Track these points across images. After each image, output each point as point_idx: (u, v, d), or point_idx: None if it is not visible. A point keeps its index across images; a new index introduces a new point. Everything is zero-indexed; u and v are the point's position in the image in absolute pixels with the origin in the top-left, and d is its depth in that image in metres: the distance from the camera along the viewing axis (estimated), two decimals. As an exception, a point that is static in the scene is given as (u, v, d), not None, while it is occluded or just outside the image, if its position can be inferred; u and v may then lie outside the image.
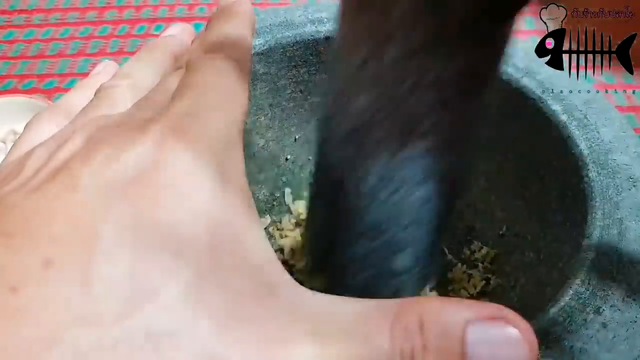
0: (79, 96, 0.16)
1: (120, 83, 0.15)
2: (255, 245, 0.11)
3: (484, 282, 0.24)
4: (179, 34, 0.19)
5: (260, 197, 0.28)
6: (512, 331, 0.10)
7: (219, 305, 0.10)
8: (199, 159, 0.11)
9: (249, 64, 0.15)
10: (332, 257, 0.19)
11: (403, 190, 0.16)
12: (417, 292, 0.21)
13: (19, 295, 0.09)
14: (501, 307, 0.10)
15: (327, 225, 0.19)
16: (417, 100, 0.14)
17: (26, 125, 0.15)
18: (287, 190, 0.29)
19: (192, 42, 0.18)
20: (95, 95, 0.15)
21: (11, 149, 0.14)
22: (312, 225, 0.21)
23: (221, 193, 0.11)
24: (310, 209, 0.21)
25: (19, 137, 0.15)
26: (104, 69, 0.18)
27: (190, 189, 0.11)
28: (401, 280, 0.19)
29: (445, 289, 0.26)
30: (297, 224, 0.28)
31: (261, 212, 0.28)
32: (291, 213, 0.29)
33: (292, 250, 0.28)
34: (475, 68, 0.14)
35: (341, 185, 0.17)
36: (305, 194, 0.29)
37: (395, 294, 0.20)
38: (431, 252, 0.20)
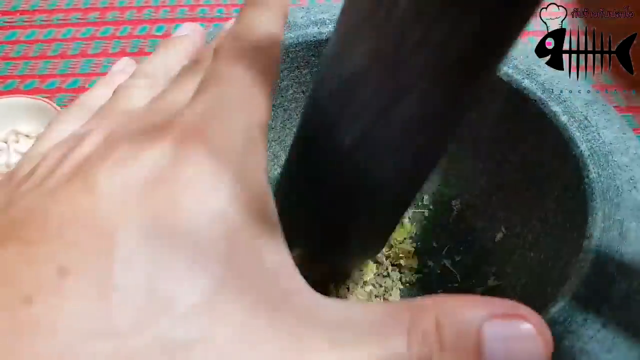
0: (100, 95, 0.16)
1: (137, 82, 0.15)
2: (273, 250, 0.11)
3: (484, 283, 0.24)
4: (190, 33, 0.18)
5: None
6: (527, 327, 0.10)
7: (236, 313, 0.10)
8: (217, 161, 0.11)
9: (277, 59, 0.14)
10: (297, 219, 0.19)
11: (379, 156, 0.16)
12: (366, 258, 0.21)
13: (34, 306, 0.09)
14: (515, 303, 0.10)
15: (298, 188, 0.19)
16: (415, 63, 0.13)
17: (48, 123, 0.15)
18: None
19: (219, 35, 0.18)
20: (113, 94, 0.15)
21: (31, 147, 0.14)
22: (283, 189, 0.21)
23: (240, 196, 0.11)
24: (283, 176, 0.21)
25: (39, 135, 0.15)
26: (124, 67, 0.18)
27: (209, 191, 0.10)
28: (358, 243, 0.20)
29: (445, 286, 0.26)
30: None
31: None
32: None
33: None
34: (490, 35, 0.12)
35: (319, 146, 0.17)
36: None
37: (346, 257, 0.20)
38: (392, 220, 0.20)
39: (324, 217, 0.19)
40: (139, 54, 0.42)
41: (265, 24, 0.15)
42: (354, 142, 0.16)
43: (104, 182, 0.10)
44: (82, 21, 0.45)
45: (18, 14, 0.45)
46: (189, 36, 0.18)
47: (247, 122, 0.12)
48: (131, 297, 0.09)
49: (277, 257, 0.11)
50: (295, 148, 0.19)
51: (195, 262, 0.10)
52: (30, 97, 0.35)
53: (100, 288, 0.09)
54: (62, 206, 0.10)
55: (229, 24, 0.18)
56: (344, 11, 0.15)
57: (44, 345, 0.08)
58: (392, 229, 0.21)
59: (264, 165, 0.12)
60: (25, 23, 0.45)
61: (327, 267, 0.23)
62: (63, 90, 0.39)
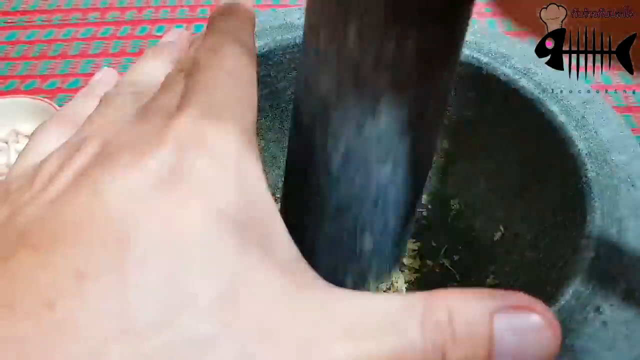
0: (82, 104, 0.16)
1: (124, 90, 0.15)
2: (280, 245, 0.11)
3: (483, 282, 0.24)
4: (177, 39, 0.19)
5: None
6: (536, 318, 0.10)
7: (254, 306, 0.10)
8: (218, 162, 0.11)
9: (255, 60, 0.15)
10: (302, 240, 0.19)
11: (367, 168, 0.16)
12: (381, 276, 0.21)
13: (56, 310, 0.09)
14: (524, 295, 0.11)
15: (298, 208, 0.20)
16: (376, 80, 0.14)
17: (31, 135, 0.15)
18: None
19: (192, 42, 0.18)
20: (100, 103, 0.15)
21: (17, 159, 0.14)
22: (285, 209, 0.21)
23: (243, 194, 0.11)
24: (283, 194, 0.22)
25: (24, 148, 0.15)
26: (104, 77, 0.18)
27: (215, 191, 0.11)
28: (367, 262, 0.20)
29: (444, 286, 0.26)
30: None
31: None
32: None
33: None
34: (432, 47, 0.14)
35: (310, 165, 0.18)
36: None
37: (360, 276, 0.20)
38: (398, 234, 0.20)
39: (330, 235, 0.19)
40: (139, 54, 0.42)
41: (238, 31, 0.15)
42: (342, 157, 0.16)
43: (110, 187, 0.10)
44: (82, 21, 0.45)
45: (18, 15, 0.45)
46: (174, 42, 0.18)
47: (239, 126, 0.12)
48: (151, 295, 0.09)
49: (287, 253, 0.12)
50: (289, 170, 0.20)
51: (210, 259, 0.10)
52: (31, 97, 0.35)
53: (119, 288, 0.09)
54: (70, 212, 0.10)
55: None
56: (304, 46, 0.16)
57: (70, 349, 0.09)
58: (404, 236, 0.21)
59: (260, 166, 0.12)
60: (26, 23, 0.45)
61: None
62: (63, 91, 0.39)
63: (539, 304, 0.11)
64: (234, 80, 0.13)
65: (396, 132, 0.16)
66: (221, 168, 0.11)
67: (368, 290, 0.22)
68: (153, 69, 0.17)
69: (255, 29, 0.25)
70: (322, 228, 0.19)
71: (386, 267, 0.22)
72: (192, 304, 0.09)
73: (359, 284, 0.22)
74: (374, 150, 0.16)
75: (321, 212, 0.18)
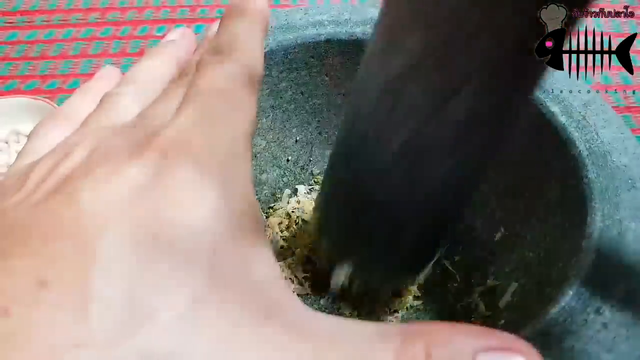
0: (81, 102, 0.16)
1: (125, 91, 0.15)
2: (260, 262, 0.11)
3: (483, 282, 0.24)
4: (179, 39, 0.18)
5: (261, 198, 0.28)
6: None
7: (218, 326, 0.10)
8: (201, 173, 0.11)
9: (260, 67, 0.15)
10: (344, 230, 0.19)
11: (428, 161, 0.15)
12: (416, 274, 0.20)
13: (11, 318, 0.09)
14: (512, 336, 0.10)
15: (347, 198, 0.19)
16: (471, 53, 0.12)
17: (30, 133, 0.15)
18: (287, 191, 0.29)
19: (201, 44, 0.18)
20: (100, 103, 0.15)
21: (17, 158, 0.14)
22: (331, 201, 0.20)
23: (225, 208, 0.11)
24: (329, 182, 0.21)
25: (24, 146, 0.15)
26: (107, 74, 0.18)
27: (192, 204, 0.10)
28: (408, 255, 0.19)
29: (444, 286, 0.26)
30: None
31: (263, 213, 0.28)
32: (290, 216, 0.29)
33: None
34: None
35: (366, 148, 0.16)
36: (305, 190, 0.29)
37: (400, 269, 0.19)
38: (443, 229, 0.19)
39: (368, 232, 0.19)
40: (139, 54, 0.42)
41: (245, 35, 0.15)
42: (402, 149, 0.15)
43: (87, 196, 0.10)
44: (82, 21, 0.45)
45: (18, 14, 0.45)
46: (176, 42, 0.18)
47: (231, 135, 0.12)
48: (111, 308, 0.09)
49: (266, 270, 0.11)
50: (335, 164, 0.19)
51: (178, 274, 0.10)
52: (31, 98, 0.35)
53: (79, 299, 0.09)
54: (44, 219, 0.10)
55: (213, 27, 0.18)
56: (385, 6, 0.14)
57: (18, 356, 0.08)
58: (433, 248, 0.21)
59: (249, 176, 0.12)
60: (26, 23, 0.45)
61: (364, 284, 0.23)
62: (64, 91, 0.39)
63: (524, 345, 0.10)
64: (233, 88, 0.13)
65: (475, 120, 0.14)
66: (204, 180, 0.11)
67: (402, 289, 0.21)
68: (154, 68, 0.16)
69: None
70: (363, 224, 0.18)
71: (420, 266, 0.21)
72: (152, 320, 0.09)
73: (391, 278, 0.21)
74: (443, 140, 0.15)
75: (365, 208, 0.18)
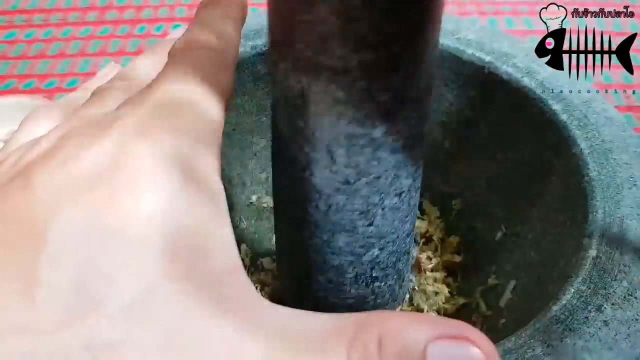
0: (78, 97, 0.16)
1: (115, 85, 0.15)
2: (219, 253, 0.11)
3: (484, 281, 0.24)
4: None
5: (262, 197, 0.28)
6: (475, 351, 0.10)
7: (167, 319, 0.09)
8: (161, 161, 0.11)
9: (234, 52, 0.14)
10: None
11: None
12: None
13: None
14: (465, 324, 0.10)
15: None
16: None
17: (20, 123, 0.15)
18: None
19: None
20: (89, 97, 0.15)
21: (3, 147, 0.14)
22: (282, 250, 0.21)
23: (184, 195, 0.11)
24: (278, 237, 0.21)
25: (12, 135, 0.15)
26: (110, 72, 0.18)
27: (148, 190, 0.10)
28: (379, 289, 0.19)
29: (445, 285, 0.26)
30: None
31: (263, 212, 0.28)
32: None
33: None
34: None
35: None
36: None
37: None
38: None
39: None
40: (138, 53, 0.41)
41: (220, 25, 0.15)
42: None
43: (42, 180, 0.10)
44: (81, 21, 0.45)
45: (17, 14, 0.45)
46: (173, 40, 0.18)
47: (196, 124, 0.12)
48: (57, 295, 0.09)
49: (225, 262, 0.11)
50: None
51: (129, 263, 0.10)
52: (30, 97, 0.35)
53: (26, 285, 0.09)
54: (0, 205, 0.10)
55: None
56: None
57: None
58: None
59: (216, 167, 0.12)
60: (24, 23, 0.44)
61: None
62: (62, 90, 0.39)
63: (479, 336, 0.10)
64: (200, 75, 0.13)
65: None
66: (162, 168, 0.11)
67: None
68: (148, 65, 0.16)
69: (257, 27, 0.25)
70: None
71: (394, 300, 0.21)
72: (100, 308, 0.09)
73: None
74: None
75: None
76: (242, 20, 0.16)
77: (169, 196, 0.10)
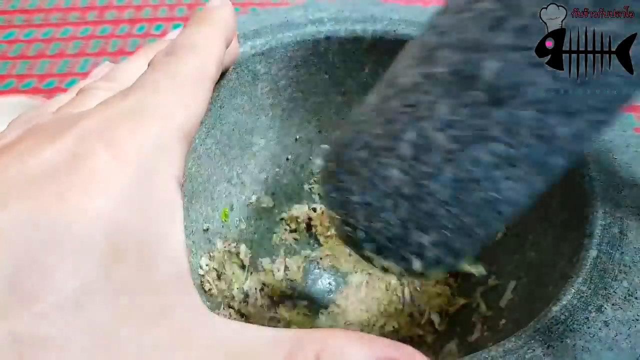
0: (68, 97, 0.16)
1: (99, 85, 0.15)
2: (165, 260, 0.11)
3: (484, 281, 0.24)
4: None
5: (261, 197, 0.28)
6: None
7: (101, 320, 0.10)
8: (118, 162, 0.11)
9: (213, 68, 0.15)
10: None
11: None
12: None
13: None
14: (403, 345, 0.10)
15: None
16: None
17: (8, 124, 0.15)
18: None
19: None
20: (75, 96, 0.15)
21: None
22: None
23: (136, 200, 0.11)
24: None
25: None
26: (102, 71, 0.18)
27: (99, 190, 0.10)
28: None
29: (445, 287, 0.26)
30: (292, 230, 0.29)
31: (262, 212, 0.28)
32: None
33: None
34: None
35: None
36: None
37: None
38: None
39: None
40: (137, 53, 0.41)
41: (203, 41, 0.15)
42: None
43: None
44: (80, 20, 0.45)
45: (16, 13, 0.45)
46: (167, 41, 0.18)
47: (160, 129, 0.12)
48: None
49: (170, 269, 0.11)
50: None
51: (67, 261, 0.10)
52: (29, 97, 0.35)
53: None
54: None
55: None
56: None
57: None
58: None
59: (174, 172, 0.12)
60: (24, 22, 0.44)
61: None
62: (61, 90, 0.39)
63: (415, 354, 0.10)
64: (174, 86, 0.13)
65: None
66: (118, 169, 0.11)
67: None
68: (136, 67, 0.16)
69: (255, 27, 0.25)
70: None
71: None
72: (32, 304, 0.09)
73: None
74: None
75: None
76: (227, 39, 0.17)
77: (120, 198, 0.10)
